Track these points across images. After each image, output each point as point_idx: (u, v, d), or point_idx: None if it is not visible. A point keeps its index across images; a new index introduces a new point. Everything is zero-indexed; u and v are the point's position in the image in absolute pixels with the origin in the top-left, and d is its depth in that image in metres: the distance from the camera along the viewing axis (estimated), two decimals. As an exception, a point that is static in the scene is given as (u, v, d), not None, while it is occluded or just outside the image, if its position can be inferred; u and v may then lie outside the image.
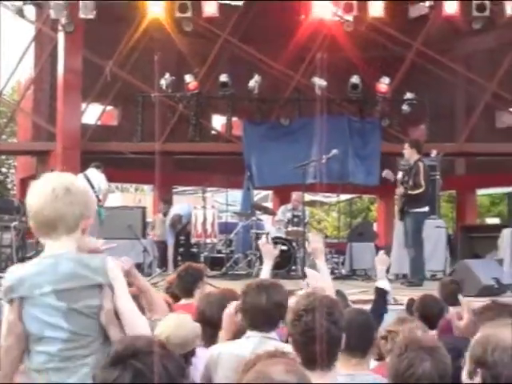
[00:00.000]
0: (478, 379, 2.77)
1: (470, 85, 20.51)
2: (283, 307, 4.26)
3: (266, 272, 5.84)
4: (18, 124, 22.93)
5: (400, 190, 12.30)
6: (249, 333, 4.34)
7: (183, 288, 6.34)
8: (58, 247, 3.20)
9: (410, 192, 12.07)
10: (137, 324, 3.17)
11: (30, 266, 3.21)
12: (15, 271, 3.22)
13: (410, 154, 12.50)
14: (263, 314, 4.29)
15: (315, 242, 5.49)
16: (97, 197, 13.25)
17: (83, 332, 3.11)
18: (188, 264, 6.78)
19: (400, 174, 12.61)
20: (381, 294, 6.34)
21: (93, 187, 13.45)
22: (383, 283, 6.36)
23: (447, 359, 3.29)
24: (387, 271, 12.84)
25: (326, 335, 3.33)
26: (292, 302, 4.92)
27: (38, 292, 3.10)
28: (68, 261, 3.15)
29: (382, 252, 7.55)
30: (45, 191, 3.17)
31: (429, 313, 6.11)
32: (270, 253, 5.95)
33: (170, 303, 5.54)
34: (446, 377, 3.24)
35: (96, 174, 13.88)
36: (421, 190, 12.18)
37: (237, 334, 4.72)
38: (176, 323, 4.32)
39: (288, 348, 3.71)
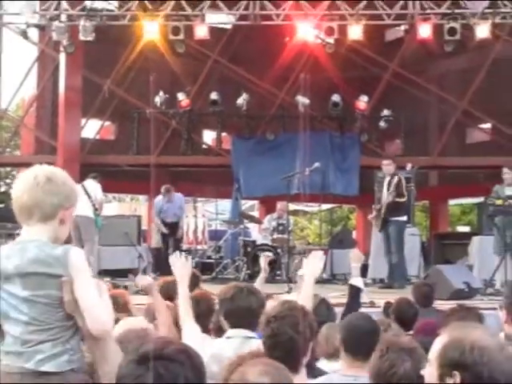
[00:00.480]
0: (452, 382, 2.74)
1: (443, 103, 20.60)
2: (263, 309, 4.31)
3: (260, 281, 5.93)
4: (21, 138, 22.88)
5: (384, 200, 12.39)
6: (230, 332, 4.35)
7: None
8: (31, 234, 3.12)
9: (397, 200, 12.21)
10: (96, 315, 3.03)
11: (2, 250, 3.12)
12: None
13: (389, 170, 12.66)
14: (251, 314, 4.31)
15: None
16: (93, 206, 13.19)
17: (41, 318, 3.02)
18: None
19: (376, 186, 12.78)
20: (354, 292, 6.26)
21: (89, 197, 13.43)
22: (357, 280, 6.29)
23: (425, 360, 3.30)
24: (365, 275, 12.96)
25: (289, 343, 3.36)
26: (269, 305, 4.97)
27: (4, 275, 3.04)
28: (34, 248, 3.06)
29: (355, 249, 7.56)
30: (27, 178, 3.10)
31: (404, 315, 6.13)
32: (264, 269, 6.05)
33: (169, 306, 5.55)
34: (424, 376, 3.26)
35: (93, 185, 13.81)
36: (404, 199, 12.37)
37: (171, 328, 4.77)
38: (128, 323, 4.28)
39: None
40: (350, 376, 3.89)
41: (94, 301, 3.05)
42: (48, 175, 3.11)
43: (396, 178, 12.44)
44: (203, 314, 5.04)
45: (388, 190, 12.45)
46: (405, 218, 12.78)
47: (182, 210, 15.16)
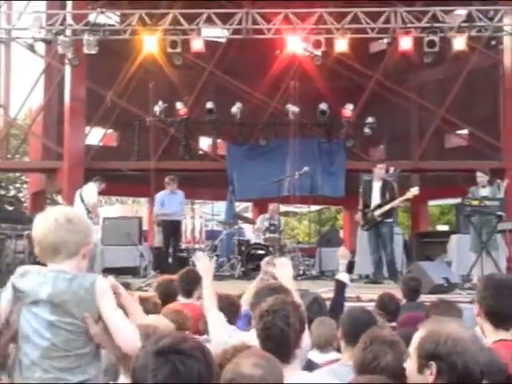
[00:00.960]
0: (430, 372, 2.74)
1: (423, 111, 20.63)
2: None
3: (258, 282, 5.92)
4: (29, 145, 22.82)
5: (376, 203, 12.52)
6: None
7: (184, 288, 6.30)
8: (58, 267, 3.22)
9: (397, 205, 12.51)
10: (126, 335, 3.10)
11: (36, 278, 3.21)
12: (23, 279, 3.22)
13: (381, 174, 12.83)
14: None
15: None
16: (87, 210, 13.31)
17: (62, 345, 3.08)
18: (189, 268, 6.75)
19: (361, 189, 12.91)
20: (340, 287, 6.28)
21: (83, 201, 13.48)
22: (343, 276, 6.31)
23: (405, 351, 3.31)
24: (351, 271, 12.99)
25: (280, 335, 3.37)
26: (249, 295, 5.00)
27: (34, 300, 3.12)
28: (66, 280, 3.16)
29: (343, 247, 7.55)
30: (49, 221, 3.19)
31: (387, 308, 6.14)
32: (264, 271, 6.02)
33: (158, 304, 5.53)
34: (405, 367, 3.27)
35: (90, 189, 13.87)
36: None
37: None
38: (153, 321, 4.31)
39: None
40: (349, 367, 3.88)
41: (121, 322, 3.14)
42: (67, 217, 3.22)
43: (390, 185, 12.63)
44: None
45: (383, 195, 12.57)
46: (392, 219, 12.93)
47: (182, 205, 15.15)
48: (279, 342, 3.37)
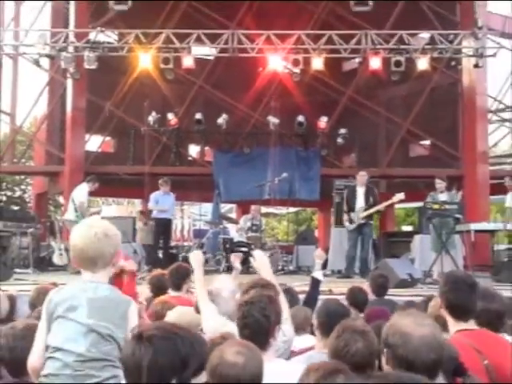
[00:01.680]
0: (384, 357, 2.84)
1: (390, 123, 20.71)
2: None
3: (233, 276, 5.93)
4: (34, 151, 22.70)
5: (361, 205, 12.59)
6: None
7: (173, 282, 6.26)
8: (95, 277, 3.27)
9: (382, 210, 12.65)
10: None
11: (76, 285, 3.29)
12: (62, 290, 3.28)
13: (364, 180, 12.92)
14: None
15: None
16: (75, 209, 13.12)
17: (93, 349, 3.08)
18: (179, 263, 6.73)
19: (338, 197, 13.09)
20: (315, 283, 6.34)
21: (73, 200, 13.32)
22: (318, 274, 6.37)
23: (375, 340, 3.35)
24: (325, 267, 13.02)
25: (255, 324, 3.39)
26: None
27: (74, 305, 3.14)
28: (107, 289, 3.25)
29: (319, 249, 7.57)
30: (88, 235, 3.25)
31: (357, 300, 6.15)
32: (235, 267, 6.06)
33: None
34: (374, 354, 3.30)
35: (80, 189, 13.62)
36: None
37: None
38: (181, 311, 4.32)
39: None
40: (325, 353, 3.90)
41: None
42: (105, 231, 3.29)
43: (372, 190, 12.74)
44: None
45: (367, 199, 12.66)
46: (372, 221, 13.11)
47: (173, 205, 15.11)
48: (255, 331, 3.38)
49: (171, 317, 4.32)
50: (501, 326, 4.15)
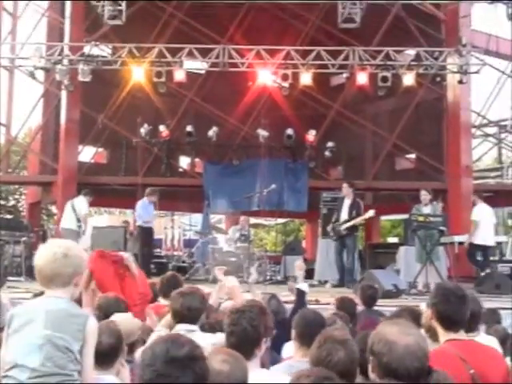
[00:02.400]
0: (371, 364, 2.83)
1: (376, 137, 20.78)
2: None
3: (218, 288, 5.99)
4: (28, 161, 22.61)
5: (344, 217, 12.60)
6: (178, 326, 4.38)
7: (166, 291, 6.22)
8: (54, 294, 3.28)
9: (359, 223, 12.62)
10: (86, 375, 3.14)
11: (32, 301, 3.40)
12: (20, 306, 3.34)
13: (348, 192, 12.89)
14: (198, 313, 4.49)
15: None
16: (77, 220, 13.25)
17: (49, 363, 3.04)
18: (172, 273, 6.73)
19: (325, 209, 13.12)
20: (300, 294, 6.35)
21: (75, 211, 13.34)
22: (303, 285, 6.38)
23: (356, 349, 3.34)
24: (311, 277, 13.03)
25: (242, 333, 3.36)
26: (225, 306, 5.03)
27: (31, 318, 3.13)
28: (65, 302, 3.25)
29: (300, 259, 7.55)
30: (47, 254, 3.28)
31: (346, 309, 6.12)
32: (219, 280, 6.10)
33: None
34: (355, 362, 3.29)
35: (81, 201, 13.70)
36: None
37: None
38: (122, 318, 4.29)
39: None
40: (300, 361, 3.88)
41: (90, 367, 3.20)
42: (64, 252, 3.28)
43: (357, 204, 12.75)
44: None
45: (350, 211, 12.67)
46: (358, 233, 13.09)
47: (154, 215, 14.95)
48: (241, 340, 3.36)
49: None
50: (474, 327, 4.21)
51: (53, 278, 3.24)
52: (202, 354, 2.40)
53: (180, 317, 4.43)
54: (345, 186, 13.23)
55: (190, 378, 2.29)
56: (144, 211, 14.12)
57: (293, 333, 4.22)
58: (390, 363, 2.71)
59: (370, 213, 12.62)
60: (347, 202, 12.94)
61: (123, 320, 4.21)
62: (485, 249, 12.78)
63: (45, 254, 3.28)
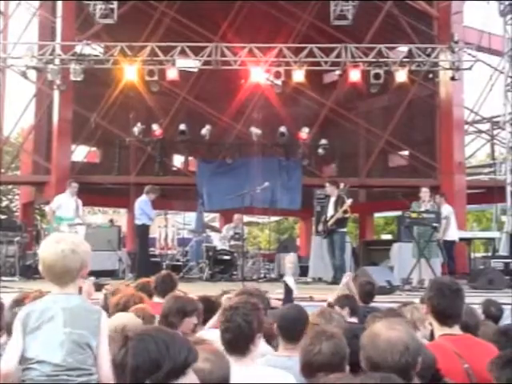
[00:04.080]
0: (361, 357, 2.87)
1: (369, 134, 20.81)
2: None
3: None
4: (21, 161, 22.58)
5: (339, 215, 12.62)
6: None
7: (161, 290, 6.23)
8: (65, 290, 3.30)
9: (346, 215, 12.56)
10: (106, 369, 3.11)
11: (43, 300, 3.30)
12: (31, 304, 3.31)
13: (331, 190, 12.93)
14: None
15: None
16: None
17: (70, 359, 3.09)
18: (168, 272, 6.74)
19: (318, 206, 13.12)
20: (289, 291, 6.61)
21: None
22: (288, 279, 6.59)
23: (342, 343, 3.38)
24: (305, 275, 13.05)
25: (237, 329, 3.39)
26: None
27: (49, 316, 3.15)
28: (78, 298, 3.32)
29: (292, 254, 7.63)
30: (56, 252, 3.26)
31: (348, 306, 6.10)
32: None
33: (143, 298, 5.50)
34: (338, 355, 3.35)
35: (59, 195, 13.50)
36: (348, 215, 12.65)
37: None
38: (129, 316, 4.29)
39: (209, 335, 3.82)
40: (284, 356, 3.92)
41: (107, 357, 3.16)
42: (72, 247, 3.29)
43: (341, 199, 12.77)
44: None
45: (335, 207, 12.71)
46: (345, 229, 13.04)
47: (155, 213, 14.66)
48: (235, 335, 3.39)
49: (120, 321, 4.27)
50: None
51: (63, 274, 3.26)
52: (147, 333, 2.38)
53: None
54: (327, 184, 13.33)
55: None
56: (148, 208, 13.51)
57: (275, 327, 4.26)
58: (372, 356, 2.74)
59: (348, 202, 12.69)
60: (332, 199, 13.01)
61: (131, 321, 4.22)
62: (452, 244, 13.32)
63: (53, 252, 3.27)
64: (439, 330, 3.69)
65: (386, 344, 2.73)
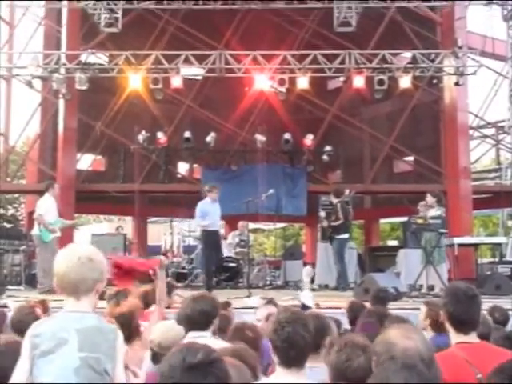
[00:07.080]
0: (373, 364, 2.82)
1: (374, 140, 20.76)
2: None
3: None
4: (26, 169, 22.59)
5: (325, 223, 12.69)
6: (189, 334, 4.25)
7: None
8: (80, 306, 3.06)
9: (333, 224, 12.53)
10: None
11: (55, 319, 3.08)
12: (42, 324, 3.04)
13: (332, 199, 13.01)
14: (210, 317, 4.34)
15: None
16: (38, 224, 12.06)
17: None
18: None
19: (322, 212, 13.19)
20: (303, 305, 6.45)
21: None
22: (305, 294, 6.46)
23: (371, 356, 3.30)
24: (311, 282, 12.99)
25: (303, 341, 3.26)
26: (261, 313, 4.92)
27: (62, 339, 2.91)
28: (92, 318, 3.04)
29: (309, 266, 7.54)
30: (72, 259, 3.06)
31: (357, 315, 6.04)
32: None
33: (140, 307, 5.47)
34: (371, 369, 3.26)
35: (40, 201, 12.54)
36: (339, 222, 12.59)
37: None
38: (165, 328, 4.23)
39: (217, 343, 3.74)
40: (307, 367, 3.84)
41: (123, 379, 3.02)
42: (89, 256, 3.08)
43: (335, 208, 12.83)
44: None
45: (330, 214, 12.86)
46: (345, 236, 12.95)
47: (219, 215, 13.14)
48: (301, 349, 3.22)
49: (156, 335, 4.22)
50: None
51: (78, 283, 3.04)
52: (218, 356, 2.36)
53: (191, 323, 4.32)
54: (331, 196, 13.39)
55: (212, 381, 2.25)
56: (202, 217, 12.44)
57: None
58: (380, 361, 2.70)
59: (320, 213, 13.26)
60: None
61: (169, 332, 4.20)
62: None
63: (69, 259, 3.06)
64: (455, 338, 3.59)
65: (402, 354, 2.68)
